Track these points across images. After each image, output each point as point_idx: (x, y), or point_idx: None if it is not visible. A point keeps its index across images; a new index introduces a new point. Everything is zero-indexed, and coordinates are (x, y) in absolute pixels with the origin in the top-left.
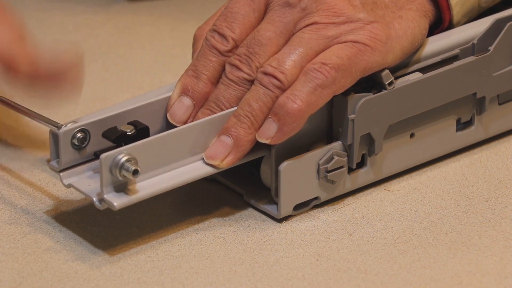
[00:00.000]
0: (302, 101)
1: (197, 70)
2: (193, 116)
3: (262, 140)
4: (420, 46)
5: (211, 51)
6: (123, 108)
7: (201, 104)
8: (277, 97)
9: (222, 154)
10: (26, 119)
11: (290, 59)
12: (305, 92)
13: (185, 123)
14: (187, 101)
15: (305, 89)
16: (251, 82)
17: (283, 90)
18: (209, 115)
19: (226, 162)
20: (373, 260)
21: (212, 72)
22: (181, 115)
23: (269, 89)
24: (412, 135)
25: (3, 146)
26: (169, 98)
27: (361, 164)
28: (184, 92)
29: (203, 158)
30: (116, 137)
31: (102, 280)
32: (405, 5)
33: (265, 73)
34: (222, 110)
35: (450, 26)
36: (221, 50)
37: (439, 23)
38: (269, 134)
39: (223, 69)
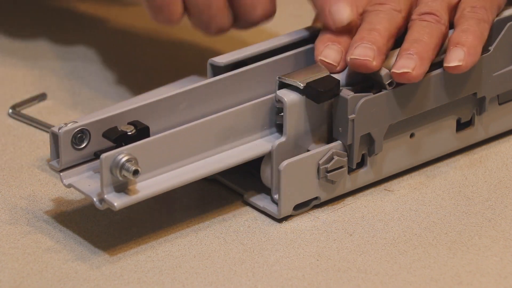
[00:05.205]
0: (475, 35)
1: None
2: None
3: (454, 63)
4: None
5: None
6: (123, 108)
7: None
8: (441, 31)
9: (412, 65)
10: None
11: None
12: (474, 26)
13: (339, 64)
14: (335, 47)
15: (472, 24)
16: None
17: (444, 25)
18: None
19: (416, 72)
20: (373, 260)
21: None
22: (335, 56)
23: (433, 23)
24: (412, 135)
25: (3, 146)
26: (169, 98)
27: (361, 164)
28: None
29: (203, 158)
30: (116, 137)
31: (102, 280)
32: None
33: (425, 13)
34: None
35: None
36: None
37: None
38: (460, 56)
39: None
